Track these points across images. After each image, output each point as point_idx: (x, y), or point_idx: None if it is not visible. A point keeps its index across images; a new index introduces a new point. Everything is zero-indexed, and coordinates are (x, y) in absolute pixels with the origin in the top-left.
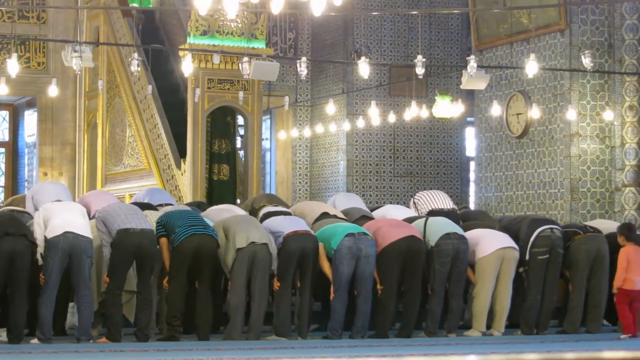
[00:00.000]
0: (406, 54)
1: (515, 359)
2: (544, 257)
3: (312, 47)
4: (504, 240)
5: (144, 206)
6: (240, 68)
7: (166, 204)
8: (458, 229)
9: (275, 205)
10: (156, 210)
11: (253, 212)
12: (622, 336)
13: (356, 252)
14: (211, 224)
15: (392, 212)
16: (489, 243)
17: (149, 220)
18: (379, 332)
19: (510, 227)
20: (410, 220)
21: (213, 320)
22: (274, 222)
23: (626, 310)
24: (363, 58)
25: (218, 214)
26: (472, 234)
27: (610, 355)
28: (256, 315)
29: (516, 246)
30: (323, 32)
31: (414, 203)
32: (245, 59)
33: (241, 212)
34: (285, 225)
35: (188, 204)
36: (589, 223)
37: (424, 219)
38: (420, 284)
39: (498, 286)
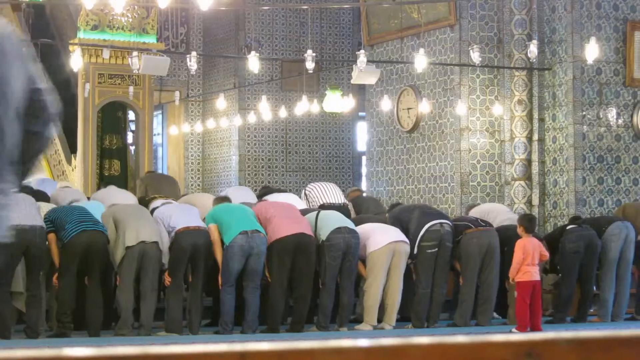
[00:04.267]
0: (298, 49)
1: (406, 343)
2: (432, 251)
3: (204, 42)
4: (394, 234)
5: (39, 196)
6: (130, 63)
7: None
8: (349, 223)
9: (166, 198)
10: (48, 201)
11: (143, 199)
12: (514, 330)
13: (248, 250)
14: (101, 209)
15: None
16: (380, 237)
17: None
18: (270, 326)
19: (401, 217)
20: (301, 212)
21: (104, 316)
22: (166, 214)
23: (525, 306)
24: (253, 53)
25: (107, 196)
26: (363, 228)
27: (502, 338)
28: (147, 312)
29: (407, 240)
30: (215, 26)
31: (306, 195)
32: (135, 53)
33: (130, 196)
34: (178, 218)
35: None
36: (482, 208)
37: (316, 212)
38: (311, 279)
39: (389, 280)
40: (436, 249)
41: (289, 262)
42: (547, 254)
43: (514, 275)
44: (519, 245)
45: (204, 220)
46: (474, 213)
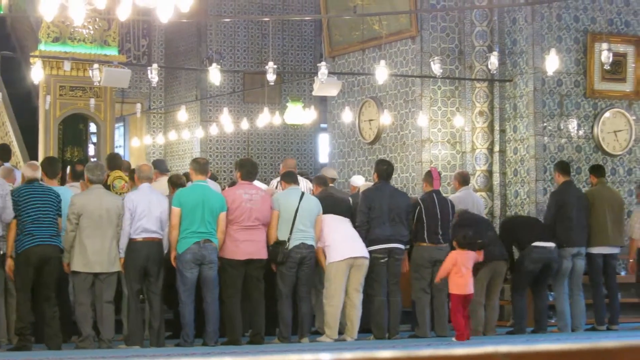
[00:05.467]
0: (260, 61)
1: (369, 357)
2: (384, 261)
3: (166, 54)
4: (354, 248)
5: None
6: (91, 75)
7: None
8: (308, 238)
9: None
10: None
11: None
12: (453, 339)
13: (200, 259)
14: (70, 193)
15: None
16: (340, 250)
17: None
18: (230, 338)
19: (363, 218)
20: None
21: (64, 329)
22: (134, 203)
23: (459, 315)
24: (214, 65)
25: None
26: (326, 237)
27: (441, 352)
28: (106, 324)
29: (367, 254)
30: (177, 38)
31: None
32: (96, 65)
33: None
34: (140, 218)
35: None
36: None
37: (296, 207)
38: (261, 290)
39: (348, 292)
40: (386, 259)
41: (240, 275)
42: (481, 259)
43: (440, 278)
44: (450, 256)
45: None
46: (454, 199)
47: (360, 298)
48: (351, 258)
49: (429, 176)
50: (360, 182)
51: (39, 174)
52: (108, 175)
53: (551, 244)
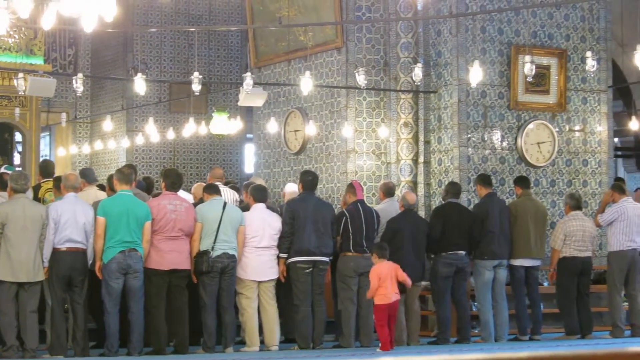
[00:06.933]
0: (186, 71)
1: None
2: (308, 271)
3: (92, 63)
4: (264, 272)
5: None
6: (16, 84)
7: None
8: (230, 248)
9: None
10: None
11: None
12: (378, 350)
13: (125, 268)
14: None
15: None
16: (250, 271)
17: None
18: (155, 348)
19: (286, 226)
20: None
21: None
22: (58, 213)
23: (384, 327)
24: (140, 74)
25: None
26: (244, 249)
27: None
28: (30, 335)
29: (274, 276)
30: (103, 48)
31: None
32: (21, 75)
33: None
34: (64, 229)
35: None
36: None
37: (217, 225)
38: (184, 299)
39: (261, 302)
40: (311, 269)
41: (165, 284)
42: (403, 276)
43: (370, 297)
44: (374, 271)
45: None
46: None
47: (274, 306)
48: (257, 281)
49: (352, 187)
50: (290, 189)
51: None
52: (40, 185)
53: (462, 251)
